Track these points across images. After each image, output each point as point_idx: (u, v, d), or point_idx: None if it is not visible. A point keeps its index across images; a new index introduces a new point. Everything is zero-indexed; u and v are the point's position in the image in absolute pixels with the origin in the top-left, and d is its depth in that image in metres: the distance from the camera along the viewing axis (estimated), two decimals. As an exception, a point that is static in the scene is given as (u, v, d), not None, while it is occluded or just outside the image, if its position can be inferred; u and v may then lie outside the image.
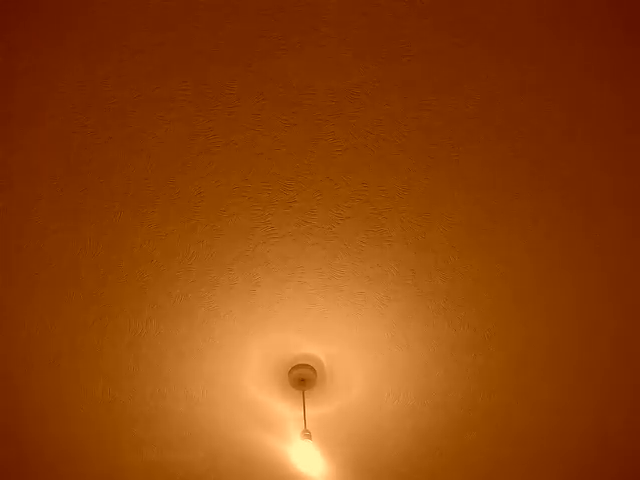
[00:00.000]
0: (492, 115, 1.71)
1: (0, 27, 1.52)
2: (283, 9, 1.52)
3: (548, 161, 1.81)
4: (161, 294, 2.06)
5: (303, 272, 2.03)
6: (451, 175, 1.82)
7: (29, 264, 1.97)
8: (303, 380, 2.31)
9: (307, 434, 2.24)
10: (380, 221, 1.91)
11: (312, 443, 2.27)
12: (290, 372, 2.31)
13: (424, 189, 1.85)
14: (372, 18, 1.54)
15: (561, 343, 2.27)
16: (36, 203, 1.83)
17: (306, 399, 2.35)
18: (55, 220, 1.87)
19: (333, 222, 1.92)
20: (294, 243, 1.96)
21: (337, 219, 1.91)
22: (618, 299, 2.16)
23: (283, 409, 2.43)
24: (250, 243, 1.95)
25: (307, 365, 2.30)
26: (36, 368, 2.25)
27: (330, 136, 1.74)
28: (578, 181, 1.85)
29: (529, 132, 1.75)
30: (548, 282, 2.09)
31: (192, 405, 2.40)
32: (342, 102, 1.68)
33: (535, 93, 1.68)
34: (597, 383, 2.43)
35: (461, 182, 1.84)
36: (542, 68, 1.64)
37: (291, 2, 1.51)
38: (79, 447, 2.53)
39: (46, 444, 2.51)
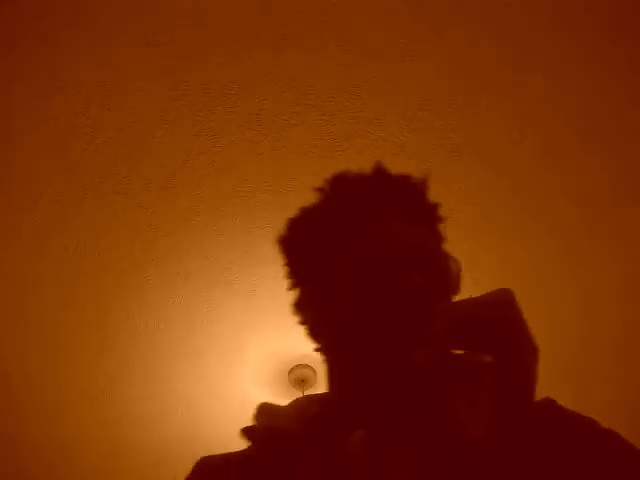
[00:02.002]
0: (492, 115, 1.71)
1: (0, 27, 1.52)
2: (283, 9, 1.52)
3: (549, 161, 1.81)
4: (161, 294, 2.06)
5: (303, 272, 2.02)
6: (451, 175, 1.82)
7: (29, 264, 1.97)
8: (303, 380, 2.31)
9: (307, 434, 2.24)
10: (380, 221, 1.91)
11: (312, 443, 2.27)
12: (290, 372, 2.30)
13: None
14: (372, 18, 1.54)
15: (562, 344, 2.27)
16: (36, 203, 1.83)
17: (306, 399, 2.35)
18: (55, 220, 1.87)
19: (333, 222, 1.91)
20: (294, 243, 1.95)
21: (337, 219, 1.91)
22: (620, 300, 2.16)
23: (283, 409, 2.43)
24: (250, 243, 1.95)
25: (307, 365, 2.30)
26: (36, 368, 2.25)
27: (330, 136, 1.74)
28: (579, 180, 1.85)
29: (530, 132, 1.75)
30: (549, 282, 2.09)
31: (192, 405, 2.40)
32: (342, 102, 1.68)
33: (536, 93, 1.68)
34: (599, 384, 2.43)
35: (461, 182, 1.84)
36: (544, 68, 1.64)
37: (291, 2, 1.51)
38: (79, 447, 2.53)
39: (45, 444, 2.51)
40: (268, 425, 0.75)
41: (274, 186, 1.83)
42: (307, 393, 2.34)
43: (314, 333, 0.77)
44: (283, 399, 2.40)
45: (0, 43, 1.54)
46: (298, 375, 2.30)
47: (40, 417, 2.42)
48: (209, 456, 0.76)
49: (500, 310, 0.58)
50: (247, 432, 0.76)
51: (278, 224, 2.13)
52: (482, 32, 1.57)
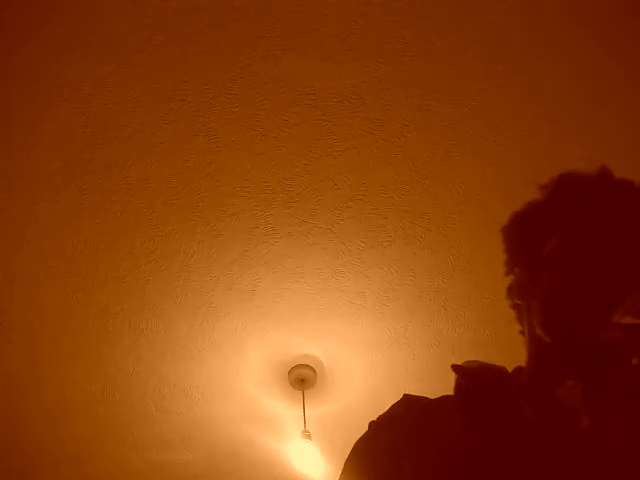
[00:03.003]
0: (492, 116, 1.71)
1: (0, 27, 1.52)
2: (283, 9, 1.52)
3: (548, 161, 1.81)
4: (161, 294, 2.06)
5: (303, 272, 2.03)
6: (451, 175, 1.82)
7: (29, 264, 1.97)
8: (303, 380, 2.31)
9: (307, 434, 2.24)
10: (380, 221, 1.91)
11: (312, 443, 2.27)
12: (290, 372, 2.30)
13: (424, 189, 1.85)
14: (372, 18, 1.54)
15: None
16: (36, 203, 1.83)
17: (306, 399, 2.35)
18: (55, 220, 1.87)
19: (333, 222, 1.92)
20: (294, 243, 1.95)
21: (337, 219, 1.91)
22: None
23: (283, 409, 2.43)
24: (250, 243, 1.95)
25: (307, 365, 2.30)
26: (35, 368, 2.25)
27: (330, 136, 1.74)
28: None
29: (530, 133, 1.75)
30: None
31: (192, 405, 2.40)
32: (342, 102, 1.68)
33: (536, 94, 1.68)
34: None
35: (461, 182, 1.84)
36: (544, 69, 1.64)
37: (291, 2, 1.51)
38: (79, 447, 2.53)
39: (45, 444, 2.51)
40: (476, 366, 0.82)
41: (274, 186, 1.83)
42: (307, 393, 2.35)
43: (519, 316, 0.87)
44: (283, 399, 2.40)
45: (0, 43, 1.55)
46: (298, 375, 2.30)
47: (40, 418, 2.42)
48: (413, 395, 0.83)
49: None
50: (457, 369, 0.81)
51: (278, 224, 2.12)
52: (483, 31, 1.57)
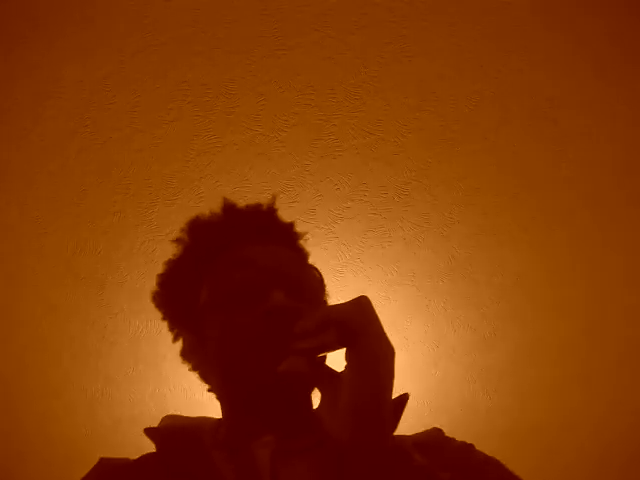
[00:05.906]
0: (492, 116, 1.71)
1: (0, 27, 1.52)
2: (283, 9, 1.52)
3: (549, 160, 1.81)
4: (161, 294, 2.06)
5: (303, 272, 2.02)
6: (451, 175, 1.82)
7: (29, 264, 1.97)
8: (303, 380, 2.31)
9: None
10: (380, 221, 1.91)
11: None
12: (290, 372, 2.30)
13: (424, 189, 1.85)
14: (372, 18, 1.54)
15: (565, 343, 2.27)
16: (36, 203, 1.83)
17: (306, 399, 2.35)
18: (55, 220, 1.87)
19: (333, 222, 1.92)
20: (294, 243, 1.95)
21: (337, 219, 1.91)
22: (627, 299, 2.15)
23: (283, 409, 2.43)
24: (250, 243, 1.95)
25: (307, 365, 2.29)
26: (35, 369, 2.25)
27: (330, 136, 1.74)
28: (583, 179, 1.84)
29: (529, 132, 1.75)
30: (552, 282, 2.09)
31: (192, 405, 2.40)
32: (342, 102, 1.68)
33: (536, 93, 1.68)
34: (604, 385, 2.43)
35: (461, 182, 1.84)
36: (544, 68, 1.64)
37: (291, 2, 1.51)
38: (78, 448, 2.53)
39: (44, 445, 2.51)
40: (172, 425, 0.79)
41: (273, 186, 1.83)
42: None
43: (203, 377, 0.82)
44: (283, 399, 2.40)
45: (0, 43, 1.54)
46: (298, 375, 2.30)
47: (39, 419, 2.42)
48: (109, 458, 0.80)
49: (355, 314, 0.65)
50: (149, 432, 0.78)
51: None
52: (483, 31, 1.57)
